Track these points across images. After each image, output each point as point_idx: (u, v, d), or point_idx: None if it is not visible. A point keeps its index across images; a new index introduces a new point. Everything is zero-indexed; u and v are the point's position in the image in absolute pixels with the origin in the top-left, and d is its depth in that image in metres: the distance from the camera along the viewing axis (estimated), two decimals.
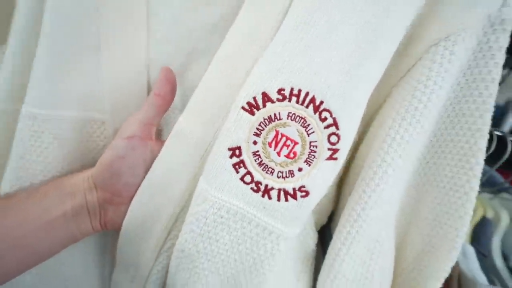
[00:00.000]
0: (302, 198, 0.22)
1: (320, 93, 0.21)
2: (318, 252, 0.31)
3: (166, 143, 0.25)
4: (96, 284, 0.33)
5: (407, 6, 0.22)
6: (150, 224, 0.26)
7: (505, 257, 0.41)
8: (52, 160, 0.28)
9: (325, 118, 0.21)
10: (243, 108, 0.21)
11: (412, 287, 0.28)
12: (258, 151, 0.22)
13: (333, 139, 0.21)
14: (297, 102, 0.21)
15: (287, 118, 0.21)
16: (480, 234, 0.41)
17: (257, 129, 0.21)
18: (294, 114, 0.21)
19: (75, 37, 0.27)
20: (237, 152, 0.22)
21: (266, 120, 0.21)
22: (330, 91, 0.21)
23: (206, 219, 0.22)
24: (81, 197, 0.26)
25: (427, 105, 0.22)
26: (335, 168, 0.22)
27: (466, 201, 0.25)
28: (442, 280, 0.27)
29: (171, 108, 0.29)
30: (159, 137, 0.31)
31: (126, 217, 0.26)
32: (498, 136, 0.35)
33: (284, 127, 0.22)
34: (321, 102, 0.21)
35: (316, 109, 0.21)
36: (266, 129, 0.22)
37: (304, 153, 0.22)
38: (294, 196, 0.22)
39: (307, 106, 0.21)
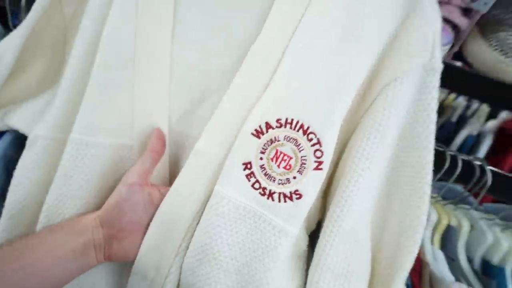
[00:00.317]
0: (297, 200, 0.29)
1: (307, 121, 0.29)
2: (309, 254, 0.37)
3: (188, 161, 0.32)
4: None
5: (368, 54, 0.31)
6: (172, 226, 0.32)
7: (470, 260, 0.47)
8: (91, 177, 0.34)
9: (311, 139, 0.29)
10: (252, 134, 0.29)
11: (387, 279, 0.34)
12: (263, 164, 0.29)
13: (318, 154, 0.29)
14: (291, 128, 0.29)
15: (284, 140, 0.29)
16: (447, 241, 0.48)
17: (263, 148, 0.29)
18: (289, 136, 0.29)
19: (115, 80, 0.34)
20: (249, 166, 0.29)
21: (268, 142, 0.30)
22: (313, 119, 0.29)
23: (229, 215, 0.29)
24: (89, 235, 0.31)
25: (385, 127, 0.30)
26: (321, 176, 0.29)
27: (422, 204, 0.32)
28: (408, 270, 0.32)
29: (185, 136, 0.36)
30: (177, 159, 0.37)
31: (152, 223, 0.32)
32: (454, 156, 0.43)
33: (282, 146, 0.29)
34: (308, 127, 0.29)
35: (304, 132, 0.29)
36: (269, 148, 0.29)
37: (297, 165, 0.29)
38: (290, 198, 0.29)
39: (297, 131, 0.29)
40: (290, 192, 0.29)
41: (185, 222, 0.31)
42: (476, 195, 0.48)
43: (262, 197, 0.30)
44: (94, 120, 0.33)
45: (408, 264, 0.32)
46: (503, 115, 1.61)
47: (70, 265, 0.30)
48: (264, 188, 0.30)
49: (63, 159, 0.33)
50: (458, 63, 0.46)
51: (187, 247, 0.32)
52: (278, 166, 0.29)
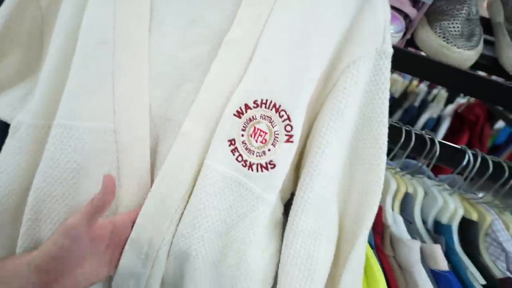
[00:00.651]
0: (272, 169, 0.33)
1: (278, 100, 0.33)
2: (284, 222, 0.41)
3: (176, 142, 0.35)
4: None
5: (327, 43, 0.35)
6: (165, 201, 0.34)
7: (424, 222, 0.54)
8: (77, 160, 0.35)
9: (282, 115, 0.33)
10: (234, 114, 0.33)
11: (352, 237, 0.39)
12: (244, 140, 0.33)
13: (288, 128, 0.33)
14: (265, 107, 0.33)
15: (260, 118, 0.33)
16: (405, 206, 0.54)
17: (243, 126, 0.34)
18: (264, 115, 0.33)
19: (96, 67, 0.36)
20: (233, 142, 0.34)
21: (248, 120, 0.34)
22: (284, 99, 0.33)
23: (218, 184, 0.33)
24: (24, 281, 0.28)
25: (346, 104, 0.35)
26: (291, 148, 0.34)
27: (379, 171, 0.37)
28: (369, 227, 0.37)
29: (166, 120, 0.38)
30: (157, 141, 0.39)
31: (146, 201, 0.35)
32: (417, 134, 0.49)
33: (258, 124, 0.33)
34: (279, 106, 0.33)
35: (276, 110, 0.33)
36: (248, 126, 0.33)
37: (271, 139, 0.33)
38: (266, 168, 0.33)
39: (271, 109, 0.33)
40: (266, 163, 0.33)
41: (178, 195, 0.35)
42: (429, 166, 0.54)
43: (244, 168, 0.34)
44: (76, 105, 0.35)
45: (369, 222, 0.37)
46: (459, 100, 1.76)
47: None
48: (245, 161, 0.34)
49: (49, 142, 0.35)
50: (411, 49, 0.52)
51: (179, 218, 0.35)
52: (256, 141, 0.33)
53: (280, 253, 0.37)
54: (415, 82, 1.75)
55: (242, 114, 0.34)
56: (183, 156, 0.35)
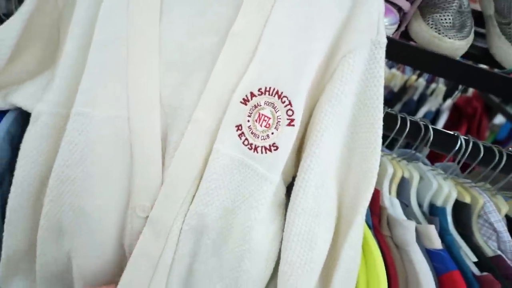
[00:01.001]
0: (275, 151, 0.36)
1: (281, 88, 0.36)
2: (286, 203, 0.44)
3: (188, 128, 0.38)
4: None
5: (326, 36, 0.37)
6: (178, 183, 0.38)
7: (420, 205, 0.57)
8: (94, 146, 0.38)
9: (284, 101, 0.36)
10: (240, 102, 0.37)
11: (350, 214, 0.41)
12: (250, 125, 0.37)
13: (289, 112, 0.36)
14: (269, 94, 0.36)
15: (264, 104, 0.36)
16: (401, 190, 0.57)
17: (249, 113, 0.37)
18: (268, 101, 0.36)
19: (112, 56, 0.38)
20: (240, 127, 0.37)
21: (253, 107, 0.37)
22: (286, 85, 0.36)
23: (227, 166, 0.37)
24: None
25: (343, 92, 0.38)
26: (293, 131, 0.37)
27: (375, 154, 0.40)
28: (366, 206, 0.40)
29: (175, 108, 0.41)
30: (167, 127, 0.42)
31: (162, 187, 0.38)
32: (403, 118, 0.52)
33: (263, 109, 0.36)
34: (282, 92, 0.36)
35: (279, 96, 0.36)
36: (253, 112, 0.37)
37: (274, 123, 0.36)
38: (270, 150, 0.36)
39: (274, 96, 0.36)
40: (269, 145, 0.36)
41: (190, 177, 0.38)
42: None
43: (250, 150, 0.37)
44: (93, 94, 0.38)
45: (365, 202, 0.40)
46: (458, 93, 1.78)
47: None
48: (251, 144, 0.37)
49: (67, 129, 0.38)
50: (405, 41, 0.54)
51: (191, 199, 0.38)
52: (261, 125, 0.37)
53: (283, 231, 0.40)
54: (414, 76, 1.77)
55: (248, 101, 0.37)
56: (195, 141, 0.38)
